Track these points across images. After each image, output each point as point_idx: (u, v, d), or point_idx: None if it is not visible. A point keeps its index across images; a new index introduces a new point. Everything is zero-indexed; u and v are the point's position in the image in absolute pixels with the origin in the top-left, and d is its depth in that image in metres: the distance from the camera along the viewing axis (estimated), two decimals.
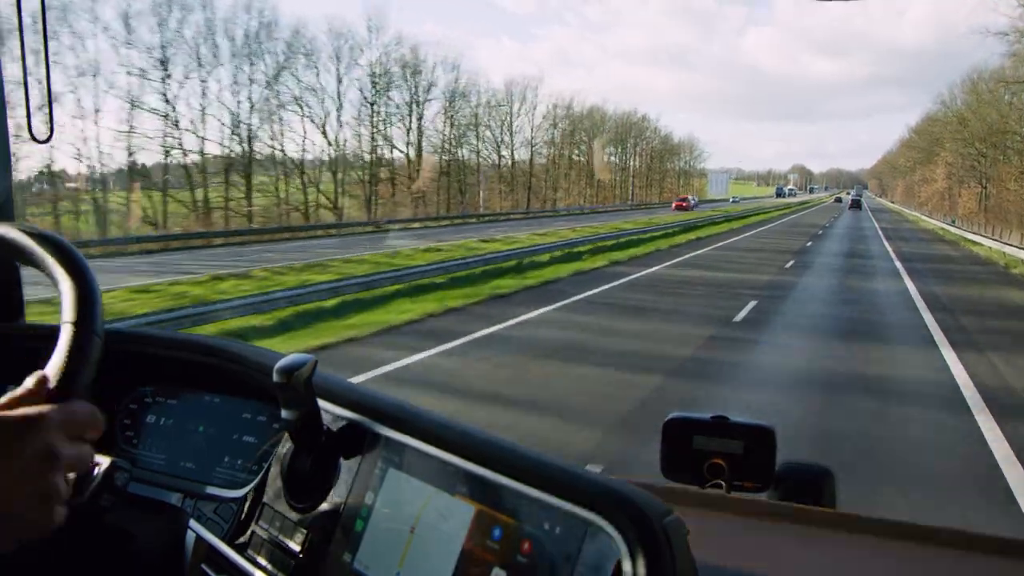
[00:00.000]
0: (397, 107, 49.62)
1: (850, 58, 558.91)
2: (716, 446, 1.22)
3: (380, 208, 44.72)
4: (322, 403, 0.87)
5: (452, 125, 53.35)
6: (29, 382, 0.64)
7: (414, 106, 48.78)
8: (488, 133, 60.53)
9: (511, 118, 63.21)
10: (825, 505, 1.23)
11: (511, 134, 63.69)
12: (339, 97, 45.82)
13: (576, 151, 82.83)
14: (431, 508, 0.76)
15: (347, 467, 0.86)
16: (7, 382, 1.03)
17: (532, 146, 65.48)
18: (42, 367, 0.68)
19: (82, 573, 0.94)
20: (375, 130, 45.41)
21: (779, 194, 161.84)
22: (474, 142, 58.39)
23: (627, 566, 0.60)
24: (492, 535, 0.71)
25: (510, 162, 63.78)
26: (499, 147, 61.66)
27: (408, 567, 0.76)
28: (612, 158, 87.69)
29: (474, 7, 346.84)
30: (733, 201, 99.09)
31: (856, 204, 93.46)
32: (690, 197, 71.12)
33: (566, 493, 0.67)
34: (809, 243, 29.53)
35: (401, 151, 49.22)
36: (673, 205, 65.76)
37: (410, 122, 48.96)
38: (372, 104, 45.38)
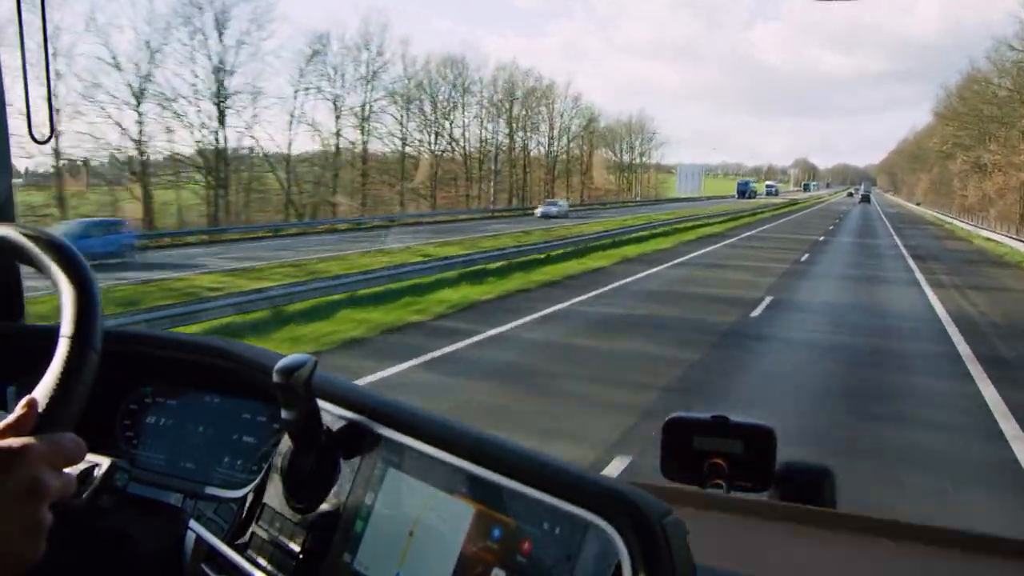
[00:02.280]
0: None
1: (859, 53, 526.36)
2: (716, 446, 1.21)
3: None
4: (322, 403, 0.87)
5: None
6: (18, 408, 0.63)
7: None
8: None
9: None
10: (825, 505, 1.21)
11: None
12: None
13: (425, 128, 51.19)
14: (431, 508, 0.76)
15: (347, 467, 0.86)
16: (7, 382, 1.07)
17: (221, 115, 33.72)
18: (42, 368, 0.68)
19: (82, 573, 0.93)
20: None
21: (743, 193, 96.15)
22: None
23: (627, 566, 0.60)
24: (492, 535, 0.71)
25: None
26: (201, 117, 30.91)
27: (408, 567, 0.76)
28: (486, 133, 56.08)
29: (479, 3, 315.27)
30: (545, 211, 41.32)
31: (865, 199, 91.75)
32: None
33: (566, 493, 0.67)
34: None
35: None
36: None
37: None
38: None
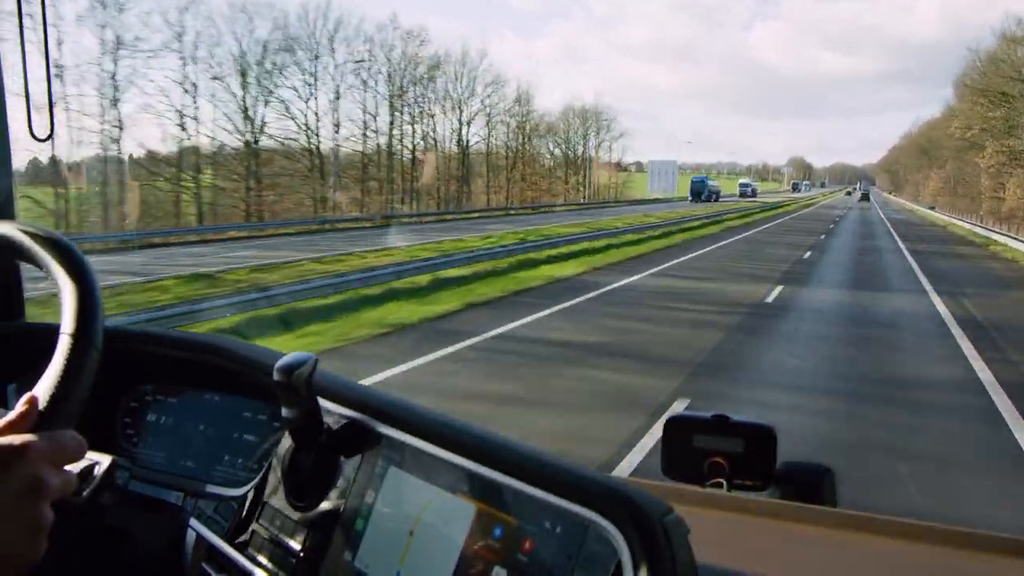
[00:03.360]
0: None
1: (858, 53, 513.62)
2: (717, 445, 1.21)
3: None
4: (322, 402, 0.87)
5: None
6: (19, 405, 0.64)
7: None
8: None
9: None
10: (826, 504, 1.21)
11: None
12: None
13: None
14: (432, 507, 0.77)
15: (348, 466, 0.86)
16: (7, 381, 1.06)
17: None
18: (42, 366, 0.68)
19: (82, 572, 0.93)
20: None
21: (698, 195, 68.76)
22: None
23: (627, 565, 0.61)
24: (493, 534, 0.71)
25: None
26: None
27: (409, 566, 0.76)
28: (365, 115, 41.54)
29: (478, 3, 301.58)
30: None
31: (865, 197, 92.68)
32: None
33: (567, 492, 0.67)
34: None
35: None
36: None
37: None
38: None
